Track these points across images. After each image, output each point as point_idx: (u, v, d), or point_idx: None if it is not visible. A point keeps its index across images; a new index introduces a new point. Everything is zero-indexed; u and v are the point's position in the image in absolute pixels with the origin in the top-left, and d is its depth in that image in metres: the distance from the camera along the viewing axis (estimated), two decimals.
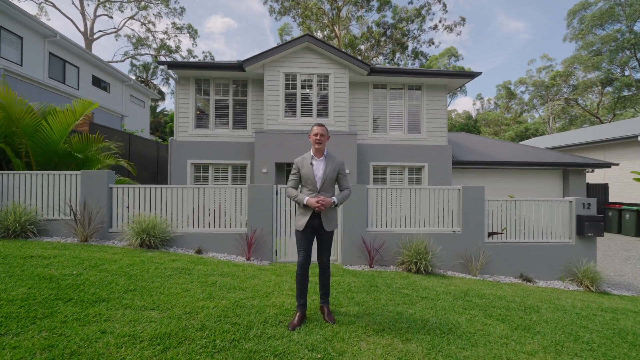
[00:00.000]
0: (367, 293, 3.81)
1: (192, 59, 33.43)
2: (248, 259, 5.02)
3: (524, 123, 42.54)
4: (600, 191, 13.56)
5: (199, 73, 9.96)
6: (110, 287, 3.11)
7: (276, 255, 5.30)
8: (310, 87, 9.87)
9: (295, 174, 3.05)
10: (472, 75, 10.29)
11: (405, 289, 4.07)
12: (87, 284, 3.12)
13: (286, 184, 3.20)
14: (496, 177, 11.92)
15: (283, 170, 10.18)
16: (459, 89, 11.21)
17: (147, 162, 12.52)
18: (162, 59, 32.25)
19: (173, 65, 9.81)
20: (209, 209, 5.29)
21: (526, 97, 43.42)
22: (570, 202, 5.63)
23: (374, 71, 9.93)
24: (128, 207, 5.17)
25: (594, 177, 15.62)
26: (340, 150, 9.40)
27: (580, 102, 38.39)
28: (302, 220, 2.94)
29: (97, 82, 17.27)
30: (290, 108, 9.78)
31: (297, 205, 3.08)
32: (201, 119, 10.29)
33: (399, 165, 10.53)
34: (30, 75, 12.15)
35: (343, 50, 9.88)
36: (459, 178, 11.60)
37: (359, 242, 5.25)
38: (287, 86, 9.74)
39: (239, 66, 9.51)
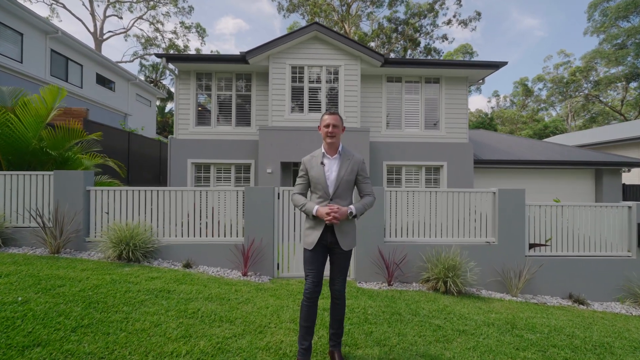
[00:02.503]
0: (388, 324, 3.02)
1: None
2: (244, 275, 4.28)
3: (540, 121, 40.80)
4: (638, 193, 12.36)
5: (200, 66, 9.30)
6: (57, 322, 2.40)
7: (278, 269, 4.55)
8: (318, 80, 9.10)
9: (303, 177, 2.43)
10: (496, 65, 9.33)
11: (436, 318, 3.25)
12: (28, 317, 2.42)
13: (293, 186, 2.53)
14: (520, 178, 10.90)
15: (290, 170, 9.43)
16: (480, 82, 10.25)
17: (149, 162, 11.94)
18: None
19: (172, 57, 9.19)
20: (201, 215, 4.58)
21: (544, 94, 41.66)
22: (630, 207, 4.70)
23: (387, 62, 9.09)
24: (108, 213, 4.50)
25: (630, 177, 14.39)
26: (351, 148, 8.59)
27: (600, 99, 36.55)
28: (313, 236, 2.28)
29: (101, 80, 16.89)
30: (297, 103, 9.04)
31: (306, 216, 2.39)
32: (202, 115, 9.64)
33: (415, 165, 9.66)
34: (31, 72, 11.76)
35: (354, 39, 9.05)
36: (480, 179, 10.64)
37: (376, 255, 4.45)
38: (293, 79, 9.00)
39: (242, 58, 8.81)
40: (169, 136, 9.47)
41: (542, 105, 42.92)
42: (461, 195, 4.70)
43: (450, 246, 4.42)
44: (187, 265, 4.27)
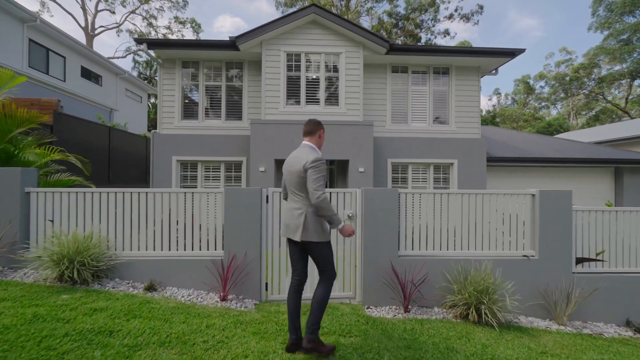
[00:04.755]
0: None
1: None
2: (223, 299, 3.39)
3: (541, 119, 40.05)
4: None
5: (186, 53, 8.37)
6: None
7: (266, 290, 3.66)
8: (317, 69, 8.21)
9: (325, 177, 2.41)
10: (512, 52, 8.46)
11: None
12: None
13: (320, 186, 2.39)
14: (535, 177, 10.04)
15: None
16: (492, 72, 9.42)
17: (134, 159, 11.01)
18: None
19: (154, 43, 8.26)
20: (170, 223, 3.68)
21: (545, 91, 40.94)
22: None
23: (393, 49, 8.21)
24: (52, 220, 3.59)
25: None
26: (353, 144, 7.74)
27: (605, 96, 35.90)
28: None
29: (87, 73, 15.95)
30: (294, 94, 8.14)
31: (318, 215, 2.41)
32: (189, 108, 8.73)
33: (422, 163, 8.79)
34: (6, 63, 10.81)
35: (356, 24, 8.16)
36: (492, 178, 9.78)
37: (388, 273, 3.57)
38: (289, 68, 8.10)
39: (231, 44, 7.90)
40: (152, 131, 8.56)
41: (544, 103, 42.27)
42: (493, 198, 3.82)
43: (481, 261, 3.55)
44: (150, 288, 3.37)
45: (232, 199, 3.55)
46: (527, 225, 3.78)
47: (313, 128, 2.68)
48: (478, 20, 30.12)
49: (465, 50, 8.47)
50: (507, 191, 3.81)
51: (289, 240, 2.55)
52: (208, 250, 3.68)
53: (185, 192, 3.74)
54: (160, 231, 3.65)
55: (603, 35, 32.59)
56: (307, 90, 8.14)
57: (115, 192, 3.67)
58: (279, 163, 8.10)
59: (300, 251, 2.51)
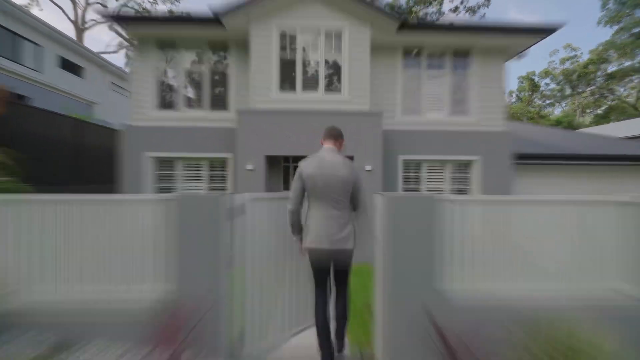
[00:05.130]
0: None
1: None
2: None
3: (545, 117, 38.89)
4: None
5: (162, 32, 7.16)
6: None
7: (240, 340, 2.45)
8: (316, 49, 7.02)
9: None
10: (546, 30, 7.22)
11: None
12: None
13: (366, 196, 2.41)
14: (565, 177, 8.76)
15: (279, 167, 7.35)
16: (519, 54, 8.20)
17: (108, 156, 9.80)
18: None
19: (123, 19, 7.04)
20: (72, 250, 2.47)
21: (551, 88, 39.86)
22: None
23: (405, 26, 7.00)
24: None
25: None
26: (359, 137, 6.53)
27: (616, 94, 34.86)
28: None
29: (68, 65, 14.76)
30: (288, 79, 6.95)
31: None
32: (166, 96, 7.53)
33: (438, 160, 7.60)
34: None
35: None
36: (519, 177, 8.54)
37: (420, 319, 2.36)
38: (282, 48, 6.91)
39: (215, 19, 6.70)
40: (123, 123, 7.37)
41: (548, 101, 41.23)
42: (573, 209, 2.61)
43: (569, 306, 2.34)
44: (59, 349, 2.16)
45: (188, 212, 2.34)
46: (613, 246, 2.57)
47: (339, 134, 2.56)
48: (484, 14, 28.84)
49: (491, 28, 7.16)
50: (602, 198, 2.59)
51: (320, 253, 2.35)
52: (153, 286, 2.46)
53: (112, 201, 2.53)
54: (80, 259, 2.43)
55: (610, 30, 31.62)
56: (304, 74, 6.96)
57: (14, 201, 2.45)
58: (271, 160, 6.91)
59: (329, 264, 2.43)
